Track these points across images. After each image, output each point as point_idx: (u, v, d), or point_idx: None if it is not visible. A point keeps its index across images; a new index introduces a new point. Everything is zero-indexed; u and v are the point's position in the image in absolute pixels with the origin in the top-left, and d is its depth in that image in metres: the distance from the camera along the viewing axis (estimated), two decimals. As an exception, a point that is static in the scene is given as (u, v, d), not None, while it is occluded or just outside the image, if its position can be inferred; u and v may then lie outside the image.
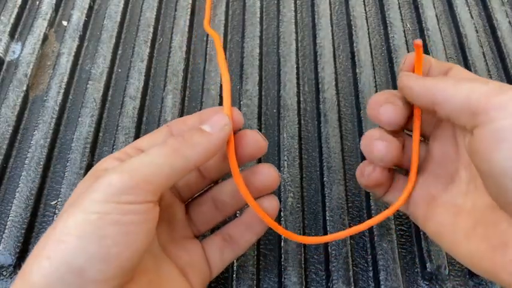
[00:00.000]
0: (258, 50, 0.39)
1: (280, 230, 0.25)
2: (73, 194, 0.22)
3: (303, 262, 0.30)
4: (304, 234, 0.31)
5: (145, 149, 0.23)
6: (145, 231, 0.20)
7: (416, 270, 0.30)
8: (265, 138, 0.25)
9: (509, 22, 0.41)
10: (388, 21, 0.41)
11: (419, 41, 0.23)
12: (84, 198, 0.19)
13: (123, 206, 0.19)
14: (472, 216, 0.22)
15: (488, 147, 0.19)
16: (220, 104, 0.37)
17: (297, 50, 0.39)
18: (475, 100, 0.20)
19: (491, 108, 0.19)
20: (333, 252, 0.30)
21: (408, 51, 0.39)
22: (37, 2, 0.43)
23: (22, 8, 0.42)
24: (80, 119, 0.36)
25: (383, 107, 0.24)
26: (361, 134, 0.35)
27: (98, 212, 0.19)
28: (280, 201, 0.32)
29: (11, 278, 0.30)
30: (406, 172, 0.26)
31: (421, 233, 0.30)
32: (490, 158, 0.19)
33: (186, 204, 0.27)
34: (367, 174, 0.26)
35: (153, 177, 0.20)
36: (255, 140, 0.24)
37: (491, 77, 0.38)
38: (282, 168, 0.33)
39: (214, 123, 0.23)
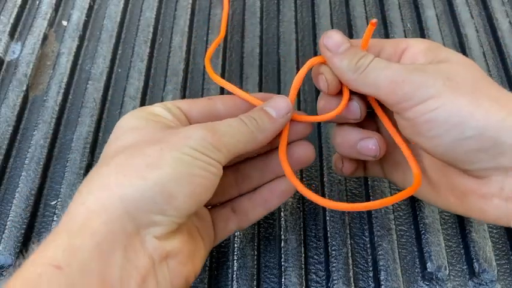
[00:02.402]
0: (258, 50, 0.39)
1: (314, 197, 0.25)
2: (119, 131, 0.24)
3: (303, 262, 0.30)
4: (304, 234, 0.31)
5: (186, 111, 0.25)
6: (215, 183, 0.23)
7: (416, 271, 0.30)
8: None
9: (510, 22, 0.41)
10: (388, 21, 0.41)
11: (375, 20, 0.24)
12: (178, 141, 0.22)
13: (208, 159, 0.22)
14: (433, 174, 0.26)
15: (415, 132, 0.23)
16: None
17: (297, 50, 0.39)
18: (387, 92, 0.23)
19: (401, 100, 0.23)
20: (333, 252, 0.30)
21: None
22: (37, 2, 0.42)
23: (22, 8, 0.42)
24: (79, 119, 0.36)
25: (318, 77, 0.26)
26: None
27: (190, 155, 0.21)
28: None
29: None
30: None
31: (422, 233, 0.30)
32: (423, 141, 0.23)
33: None
34: (340, 169, 0.29)
35: (232, 147, 0.23)
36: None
37: (491, 77, 0.38)
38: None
39: (279, 109, 0.25)
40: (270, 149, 0.27)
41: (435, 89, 0.22)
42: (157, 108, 0.25)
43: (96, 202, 0.20)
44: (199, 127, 0.23)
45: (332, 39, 0.25)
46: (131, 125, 0.23)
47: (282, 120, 0.25)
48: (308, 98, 0.37)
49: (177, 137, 0.22)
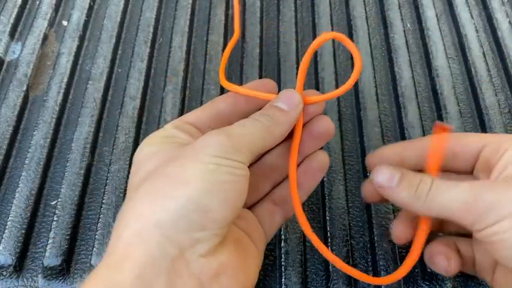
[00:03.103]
0: (258, 50, 0.39)
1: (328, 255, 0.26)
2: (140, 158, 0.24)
3: (303, 262, 0.30)
4: (304, 234, 0.31)
5: (194, 122, 0.26)
6: (246, 185, 0.22)
7: (416, 271, 0.30)
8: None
9: (510, 22, 0.41)
10: (388, 21, 0.41)
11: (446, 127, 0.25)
12: (197, 152, 0.21)
13: (232, 162, 0.21)
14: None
15: (493, 249, 0.22)
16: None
17: (297, 50, 0.39)
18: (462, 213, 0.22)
19: (477, 220, 0.22)
20: (333, 252, 0.30)
21: (408, 52, 0.39)
22: (37, 2, 0.43)
23: (22, 8, 0.42)
24: (80, 119, 0.36)
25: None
26: (361, 134, 0.35)
27: (213, 163, 0.21)
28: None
29: (11, 278, 0.30)
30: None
31: (421, 233, 0.30)
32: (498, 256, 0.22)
33: None
34: (444, 267, 0.27)
35: (251, 145, 0.23)
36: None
37: (491, 77, 0.38)
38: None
39: (289, 102, 0.25)
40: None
41: (509, 208, 0.21)
42: (168, 130, 0.25)
43: (132, 234, 0.20)
44: (213, 133, 0.22)
45: (382, 174, 0.25)
46: (147, 153, 0.23)
47: (296, 112, 0.25)
48: (308, 98, 0.37)
49: (195, 149, 0.22)
